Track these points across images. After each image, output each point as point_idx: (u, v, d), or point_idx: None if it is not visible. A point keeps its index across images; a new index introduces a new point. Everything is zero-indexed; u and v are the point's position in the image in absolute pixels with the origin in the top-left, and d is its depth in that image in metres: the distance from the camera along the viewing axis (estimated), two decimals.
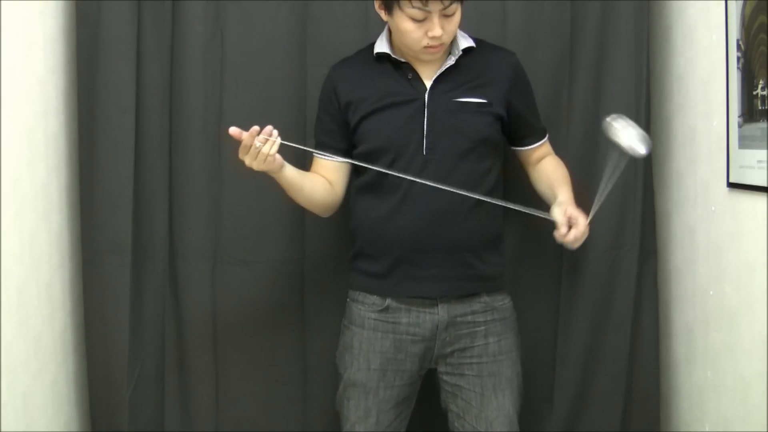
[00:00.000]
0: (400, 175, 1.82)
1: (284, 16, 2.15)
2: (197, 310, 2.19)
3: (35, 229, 1.92)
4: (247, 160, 1.75)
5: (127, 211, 2.10)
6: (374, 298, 1.93)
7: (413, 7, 1.77)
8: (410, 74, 1.90)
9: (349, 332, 1.97)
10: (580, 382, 2.22)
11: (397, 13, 1.80)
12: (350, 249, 2.00)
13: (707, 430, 1.98)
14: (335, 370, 2.01)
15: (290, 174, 1.85)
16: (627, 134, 1.80)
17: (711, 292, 1.96)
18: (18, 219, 1.82)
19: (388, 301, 1.91)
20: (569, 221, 1.87)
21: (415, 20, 1.79)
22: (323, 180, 1.96)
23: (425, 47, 1.82)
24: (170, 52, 2.13)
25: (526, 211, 1.88)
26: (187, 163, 2.16)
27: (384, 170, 1.83)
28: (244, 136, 1.71)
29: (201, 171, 2.16)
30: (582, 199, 2.16)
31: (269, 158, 1.74)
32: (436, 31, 1.78)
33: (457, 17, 1.82)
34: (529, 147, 2.04)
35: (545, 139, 2.07)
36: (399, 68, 1.91)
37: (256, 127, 1.72)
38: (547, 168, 2.05)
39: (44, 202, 1.98)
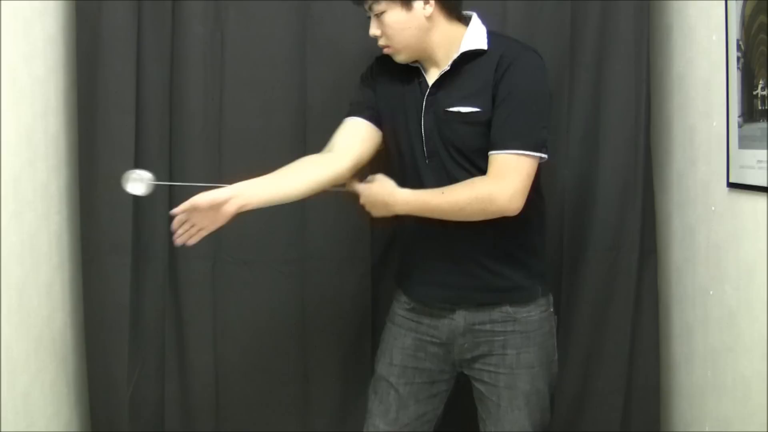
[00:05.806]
0: None
1: (284, 16, 2.15)
2: (197, 310, 2.19)
3: (35, 229, 1.92)
4: None
5: (127, 211, 2.10)
6: (405, 297, 1.94)
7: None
8: (420, 78, 1.83)
9: (386, 327, 1.99)
10: (580, 382, 2.22)
11: None
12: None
13: (707, 430, 1.97)
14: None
15: (258, 202, 1.76)
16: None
17: (711, 292, 1.96)
18: (18, 219, 1.82)
19: (413, 302, 1.92)
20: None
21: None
22: (307, 167, 1.83)
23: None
24: (170, 52, 2.13)
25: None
26: (187, 163, 2.16)
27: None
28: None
29: (201, 171, 2.15)
30: (581, 200, 2.17)
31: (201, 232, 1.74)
32: (370, 30, 1.79)
33: (390, 19, 1.74)
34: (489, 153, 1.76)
35: (501, 152, 1.72)
36: (415, 71, 1.84)
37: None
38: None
39: (44, 203, 1.98)
